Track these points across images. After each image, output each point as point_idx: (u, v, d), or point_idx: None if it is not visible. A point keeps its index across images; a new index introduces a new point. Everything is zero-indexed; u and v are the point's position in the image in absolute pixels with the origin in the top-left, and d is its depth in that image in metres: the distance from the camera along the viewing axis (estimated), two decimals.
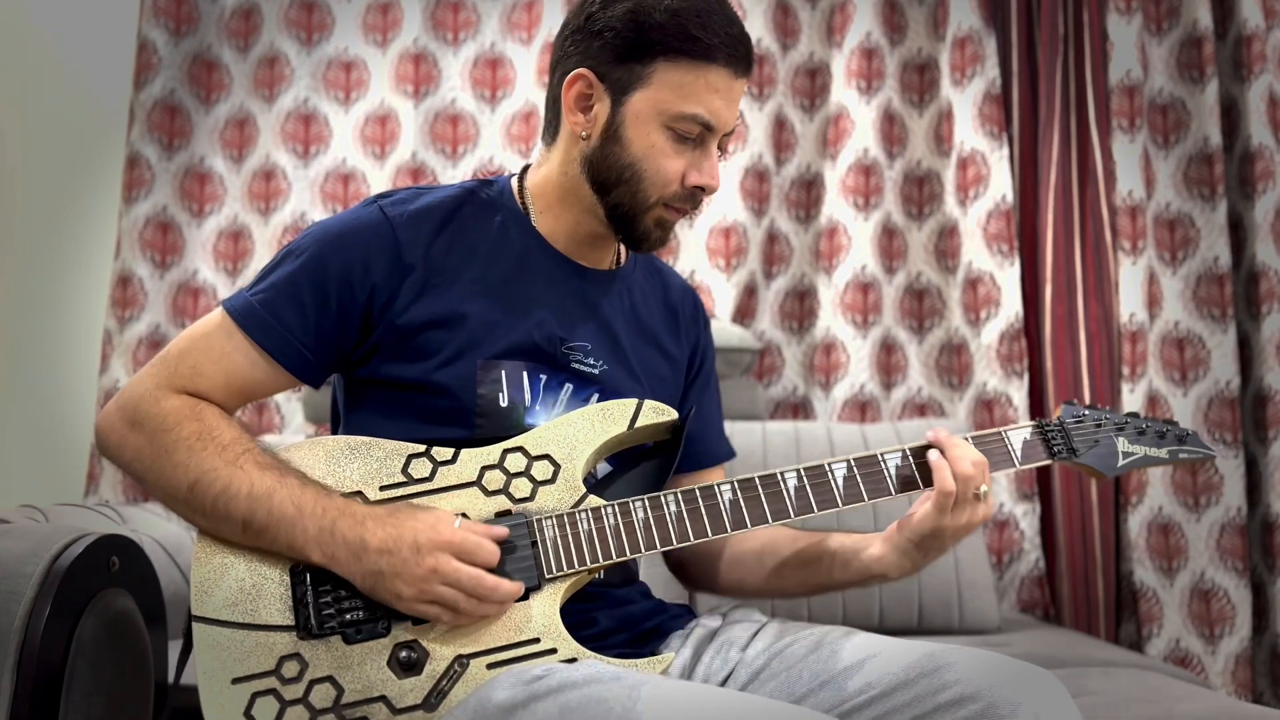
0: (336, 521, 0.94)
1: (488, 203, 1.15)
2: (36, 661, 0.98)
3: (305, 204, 2.36)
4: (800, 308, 2.38)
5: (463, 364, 1.06)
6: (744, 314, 2.34)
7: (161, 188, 2.35)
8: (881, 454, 1.08)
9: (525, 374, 1.08)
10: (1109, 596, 2.16)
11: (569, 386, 1.10)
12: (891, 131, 2.36)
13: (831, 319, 2.31)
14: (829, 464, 1.07)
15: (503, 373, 1.07)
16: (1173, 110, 2.27)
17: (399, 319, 1.06)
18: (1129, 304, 2.18)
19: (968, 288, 2.28)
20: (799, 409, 2.34)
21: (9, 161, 2.45)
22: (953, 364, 2.32)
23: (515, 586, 0.95)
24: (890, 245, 2.35)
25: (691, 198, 1.10)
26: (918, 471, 1.07)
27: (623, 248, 1.22)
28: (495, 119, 2.37)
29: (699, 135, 1.08)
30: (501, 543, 0.97)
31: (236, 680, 0.92)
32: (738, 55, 1.07)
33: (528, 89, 2.35)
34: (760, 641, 1.04)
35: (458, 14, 2.41)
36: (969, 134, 2.29)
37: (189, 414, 1.01)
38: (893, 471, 1.07)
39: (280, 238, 2.34)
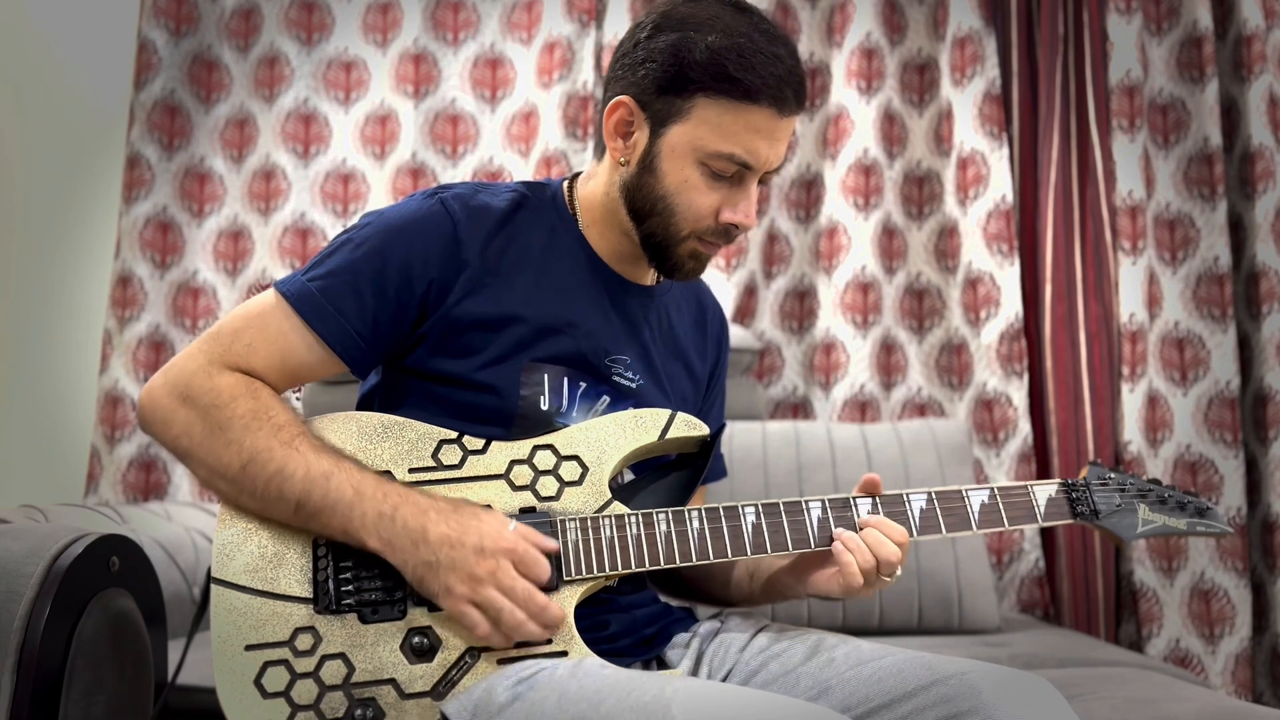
0: (399, 508, 0.94)
1: (541, 207, 1.15)
2: (36, 661, 0.98)
3: (305, 204, 2.36)
4: (800, 308, 2.38)
5: (509, 365, 1.06)
6: (744, 314, 2.34)
7: (161, 188, 2.35)
8: (907, 495, 1.07)
9: (566, 380, 1.08)
10: (1109, 596, 2.16)
11: (606, 398, 1.11)
12: (891, 131, 2.36)
13: (831, 319, 2.31)
14: (854, 498, 1.07)
15: (545, 376, 1.07)
16: (1173, 110, 2.27)
17: (450, 313, 1.06)
18: (1129, 304, 2.18)
19: (968, 288, 2.28)
20: (799, 409, 2.34)
21: (9, 161, 2.45)
22: (953, 364, 2.32)
23: (560, 612, 0.95)
24: (890, 245, 2.35)
25: (726, 233, 1.09)
26: (942, 516, 1.07)
27: None
28: (495, 119, 2.37)
29: (736, 173, 1.06)
30: (549, 556, 0.96)
31: (250, 647, 0.92)
32: (783, 95, 1.03)
33: (528, 89, 2.35)
34: (757, 643, 1.05)
35: (458, 14, 2.41)
36: (969, 134, 2.29)
37: (244, 391, 1.00)
38: (916, 514, 1.07)
39: (280, 238, 2.34)
